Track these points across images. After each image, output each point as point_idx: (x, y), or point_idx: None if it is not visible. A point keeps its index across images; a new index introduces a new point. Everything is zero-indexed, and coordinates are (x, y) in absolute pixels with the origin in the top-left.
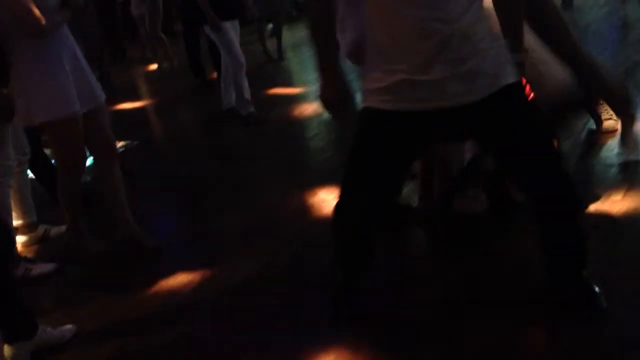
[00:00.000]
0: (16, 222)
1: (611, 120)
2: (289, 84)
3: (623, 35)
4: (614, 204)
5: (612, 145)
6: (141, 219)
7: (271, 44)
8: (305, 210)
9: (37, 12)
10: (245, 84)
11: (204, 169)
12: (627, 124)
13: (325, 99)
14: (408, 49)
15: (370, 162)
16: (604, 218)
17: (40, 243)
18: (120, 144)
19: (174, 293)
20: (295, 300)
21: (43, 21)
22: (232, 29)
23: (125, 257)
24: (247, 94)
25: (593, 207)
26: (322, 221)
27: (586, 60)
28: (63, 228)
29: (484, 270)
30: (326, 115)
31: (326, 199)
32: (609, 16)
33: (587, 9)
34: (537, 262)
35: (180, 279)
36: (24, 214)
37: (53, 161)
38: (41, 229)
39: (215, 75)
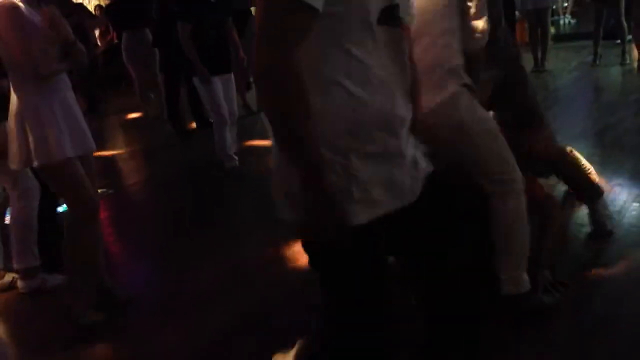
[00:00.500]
0: None
1: None
2: (267, 136)
3: (594, 99)
4: (605, 266)
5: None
6: (114, 267)
7: (250, 96)
8: (283, 261)
9: (37, 55)
10: (228, 139)
11: (181, 218)
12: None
13: None
14: None
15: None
16: (595, 281)
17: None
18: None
19: (145, 342)
20: (268, 354)
21: (43, 66)
22: (221, 84)
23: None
24: (230, 149)
25: (583, 270)
26: (299, 272)
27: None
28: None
29: None
30: None
31: (302, 250)
32: (579, 80)
33: (557, 73)
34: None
35: (152, 329)
36: None
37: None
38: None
39: (194, 124)
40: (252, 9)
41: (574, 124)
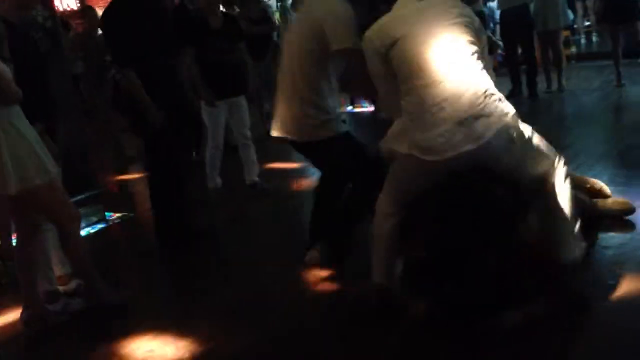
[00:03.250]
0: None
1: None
2: (287, 158)
3: (616, 119)
4: (611, 287)
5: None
6: (131, 293)
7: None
8: (300, 286)
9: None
10: (215, 161)
11: (199, 242)
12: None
13: None
14: None
15: None
16: (600, 301)
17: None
18: (115, 216)
19: None
20: None
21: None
22: (228, 108)
23: (113, 332)
24: (213, 171)
25: (589, 291)
26: (317, 297)
27: None
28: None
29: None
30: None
31: (321, 275)
32: (601, 100)
33: (579, 93)
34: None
35: (169, 357)
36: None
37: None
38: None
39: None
40: (275, 33)
41: (597, 144)
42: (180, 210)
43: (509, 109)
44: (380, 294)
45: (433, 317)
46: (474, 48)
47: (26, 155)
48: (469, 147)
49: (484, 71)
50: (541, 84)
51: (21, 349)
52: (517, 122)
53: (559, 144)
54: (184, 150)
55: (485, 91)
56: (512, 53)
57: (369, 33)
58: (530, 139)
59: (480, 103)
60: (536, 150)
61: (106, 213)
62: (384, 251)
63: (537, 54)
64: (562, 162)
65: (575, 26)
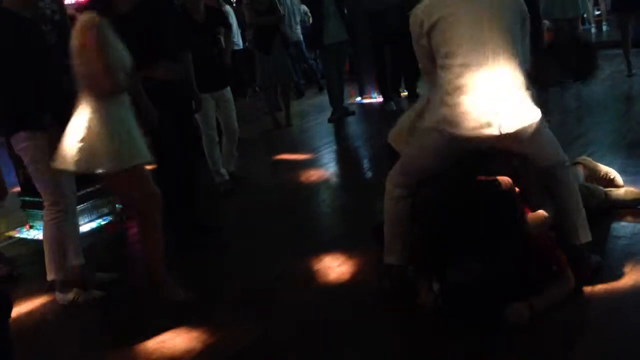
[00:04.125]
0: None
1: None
2: (295, 150)
3: (627, 108)
4: (622, 277)
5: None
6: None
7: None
8: (311, 277)
9: (111, 72)
10: (216, 155)
11: (207, 234)
12: None
13: None
14: None
15: None
16: (610, 291)
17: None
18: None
19: (175, 359)
20: None
21: (114, 83)
22: (215, 101)
23: (124, 323)
24: (217, 165)
25: (600, 281)
26: (327, 288)
27: None
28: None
29: (488, 344)
30: (332, 182)
31: (331, 266)
32: (611, 89)
33: (590, 82)
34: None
35: (181, 346)
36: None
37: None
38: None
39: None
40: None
41: (607, 134)
42: (188, 204)
43: (536, 104)
44: (394, 274)
45: (440, 309)
46: (518, 35)
47: (124, 137)
48: (493, 132)
49: (523, 61)
50: None
51: (32, 340)
52: (542, 116)
53: (570, 133)
54: (190, 146)
55: (522, 82)
56: None
57: (416, 10)
58: (548, 132)
59: (515, 93)
60: (551, 142)
61: (117, 205)
62: (397, 232)
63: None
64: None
65: (585, 15)
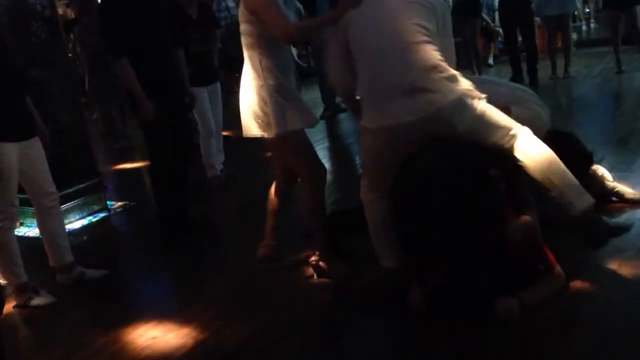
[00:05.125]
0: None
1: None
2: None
3: (616, 105)
4: (610, 273)
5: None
6: (133, 280)
7: None
8: (303, 274)
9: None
10: (211, 149)
11: (200, 230)
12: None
13: None
14: None
15: None
16: (600, 286)
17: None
18: (117, 205)
19: (165, 358)
20: None
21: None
22: (207, 95)
23: (115, 320)
24: (212, 159)
25: (589, 276)
26: (320, 285)
27: None
28: (97, 272)
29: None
30: (328, 178)
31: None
32: (602, 86)
33: (580, 79)
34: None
35: (173, 343)
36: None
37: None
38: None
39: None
40: None
41: (598, 130)
42: (181, 200)
43: (459, 86)
44: (392, 276)
45: (432, 306)
46: (426, 28)
47: (290, 102)
48: (408, 118)
49: (436, 51)
50: (542, 71)
51: (24, 334)
52: (468, 99)
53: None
54: (184, 141)
55: (433, 68)
56: (512, 40)
57: None
58: (484, 112)
59: (425, 78)
60: (490, 123)
61: (108, 202)
62: (381, 235)
63: (539, 41)
64: (525, 130)
65: (576, 13)
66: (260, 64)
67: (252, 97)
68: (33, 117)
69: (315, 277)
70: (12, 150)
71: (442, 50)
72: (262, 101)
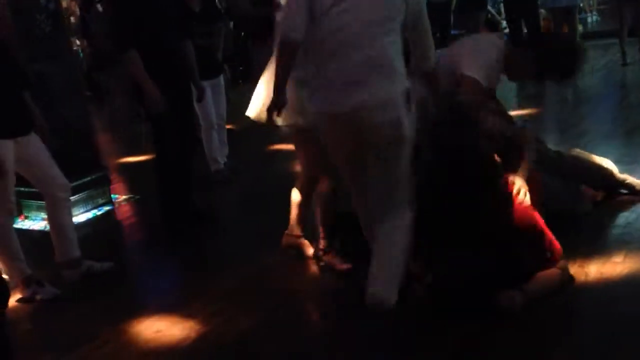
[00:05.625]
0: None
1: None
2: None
3: (622, 97)
4: (615, 265)
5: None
6: (138, 274)
7: None
8: (306, 267)
9: None
10: (214, 142)
11: (204, 224)
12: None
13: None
14: None
15: None
16: (605, 279)
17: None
18: (121, 198)
19: (170, 350)
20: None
21: None
22: (210, 88)
23: (120, 313)
24: (215, 152)
25: (594, 268)
26: (322, 278)
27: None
28: (105, 265)
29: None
30: None
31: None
32: (607, 79)
33: (585, 72)
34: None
35: (177, 336)
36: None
37: None
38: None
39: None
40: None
41: (603, 123)
42: (185, 193)
43: (400, 85)
44: None
45: (434, 298)
46: (390, 18)
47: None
48: (345, 109)
49: (395, 43)
50: None
51: (28, 327)
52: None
53: (565, 122)
54: (190, 134)
55: (383, 61)
56: (517, 32)
57: None
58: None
59: (372, 72)
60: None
61: (112, 195)
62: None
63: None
64: None
65: (582, 5)
66: None
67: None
68: (31, 113)
69: (319, 270)
70: (8, 146)
71: (414, 45)
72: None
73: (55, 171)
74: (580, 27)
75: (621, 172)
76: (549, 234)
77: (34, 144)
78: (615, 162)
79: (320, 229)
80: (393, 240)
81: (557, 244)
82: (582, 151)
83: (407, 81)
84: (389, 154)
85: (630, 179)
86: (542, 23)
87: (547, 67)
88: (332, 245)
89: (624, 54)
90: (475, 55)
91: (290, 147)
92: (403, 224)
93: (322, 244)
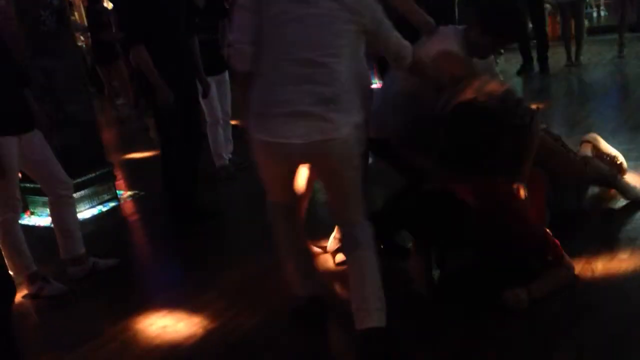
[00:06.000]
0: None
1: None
2: None
3: (628, 93)
4: (621, 262)
5: (620, 201)
6: (143, 270)
7: None
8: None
9: None
10: (219, 138)
11: (209, 219)
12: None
13: None
14: None
15: None
16: (611, 276)
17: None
18: (127, 194)
19: (175, 346)
20: (300, 353)
21: None
22: (215, 84)
23: (126, 309)
24: (220, 148)
25: (600, 265)
26: (327, 274)
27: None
28: (110, 261)
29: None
30: None
31: (330, 252)
32: (613, 74)
33: (591, 67)
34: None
35: (182, 333)
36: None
37: None
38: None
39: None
40: None
41: (609, 119)
42: (190, 189)
43: (357, 115)
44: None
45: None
46: (345, 31)
47: None
48: (296, 140)
49: (355, 61)
50: (552, 58)
51: (34, 323)
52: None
53: (571, 118)
54: (196, 129)
55: (338, 88)
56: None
57: None
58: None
59: (323, 101)
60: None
61: (117, 191)
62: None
63: (549, 28)
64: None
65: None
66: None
67: None
68: (32, 110)
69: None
70: (11, 143)
71: (385, 51)
72: None
73: (58, 169)
74: (586, 23)
75: (627, 167)
76: (550, 236)
77: (37, 141)
78: (623, 156)
79: None
80: (363, 273)
81: (558, 245)
82: (596, 137)
83: (360, 113)
84: (337, 174)
85: (629, 186)
86: (547, 18)
87: (490, 21)
88: None
89: (621, 46)
90: (440, 40)
91: None
92: (365, 254)
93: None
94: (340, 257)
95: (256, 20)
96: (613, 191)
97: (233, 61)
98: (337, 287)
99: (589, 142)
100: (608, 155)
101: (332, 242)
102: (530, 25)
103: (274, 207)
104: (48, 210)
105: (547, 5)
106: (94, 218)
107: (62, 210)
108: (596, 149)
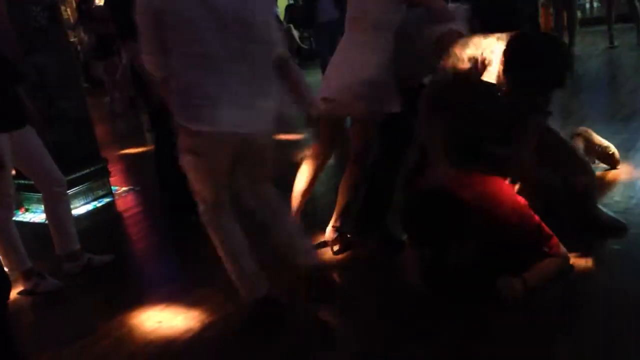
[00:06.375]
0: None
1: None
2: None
3: (621, 84)
4: (615, 252)
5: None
6: (138, 265)
7: None
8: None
9: None
10: None
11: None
12: None
13: None
14: None
15: None
16: (606, 266)
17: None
18: (121, 190)
19: (171, 342)
20: (297, 349)
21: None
22: None
23: (121, 304)
24: None
25: (593, 257)
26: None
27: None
28: (105, 257)
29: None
30: (330, 162)
31: (326, 244)
32: (606, 65)
33: (584, 58)
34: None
35: (177, 328)
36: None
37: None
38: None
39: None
40: None
41: (603, 109)
42: (186, 184)
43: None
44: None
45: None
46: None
47: None
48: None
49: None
50: None
51: (30, 319)
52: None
53: (564, 109)
54: None
55: (263, 85)
56: None
57: None
58: None
59: (256, 94)
60: None
61: (112, 187)
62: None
63: (542, 19)
64: None
65: None
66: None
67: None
68: (25, 107)
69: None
70: (3, 140)
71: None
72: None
73: (51, 165)
74: (578, 14)
75: (620, 157)
76: (545, 227)
77: (29, 138)
78: (616, 147)
79: (337, 207)
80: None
81: (553, 237)
82: (587, 130)
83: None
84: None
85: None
86: (540, 9)
87: (490, 21)
88: (343, 227)
89: (611, 37)
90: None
91: (294, 136)
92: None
93: (337, 221)
94: (337, 247)
95: None
96: (607, 181)
97: (149, 68)
98: (337, 276)
99: (579, 134)
100: (600, 146)
101: (329, 231)
102: None
103: (209, 211)
104: (42, 207)
105: None
106: (89, 214)
107: (56, 207)
108: (588, 140)
